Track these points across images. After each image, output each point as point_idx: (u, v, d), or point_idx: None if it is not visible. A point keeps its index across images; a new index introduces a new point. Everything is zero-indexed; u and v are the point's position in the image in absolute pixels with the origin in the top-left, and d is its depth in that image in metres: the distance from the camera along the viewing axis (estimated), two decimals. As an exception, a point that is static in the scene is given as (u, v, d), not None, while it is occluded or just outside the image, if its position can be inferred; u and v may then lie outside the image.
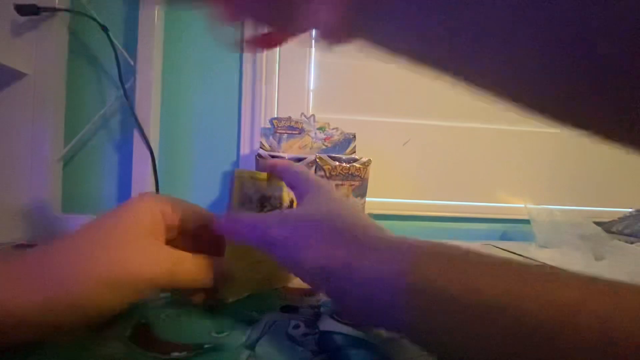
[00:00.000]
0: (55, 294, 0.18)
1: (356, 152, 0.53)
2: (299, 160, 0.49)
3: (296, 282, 0.32)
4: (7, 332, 0.17)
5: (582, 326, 0.13)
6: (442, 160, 0.69)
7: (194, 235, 0.26)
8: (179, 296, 0.26)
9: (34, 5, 0.52)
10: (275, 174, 0.28)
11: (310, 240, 0.20)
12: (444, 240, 0.19)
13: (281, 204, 0.29)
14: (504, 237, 0.69)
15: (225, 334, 0.22)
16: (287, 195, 0.29)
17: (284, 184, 0.29)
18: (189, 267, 0.22)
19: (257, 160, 0.49)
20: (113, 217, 0.22)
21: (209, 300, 0.26)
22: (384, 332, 0.23)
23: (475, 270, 0.16)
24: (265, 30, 0.21)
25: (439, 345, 0.17)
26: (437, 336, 0.16)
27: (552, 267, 0.16)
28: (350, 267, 0.19)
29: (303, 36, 0.19)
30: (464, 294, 0.15)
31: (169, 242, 0.24)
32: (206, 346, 0.20)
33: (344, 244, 0.20)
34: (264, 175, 0.29)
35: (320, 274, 0.20)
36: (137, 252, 0.20)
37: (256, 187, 0.28)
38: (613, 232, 0.54)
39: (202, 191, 0.63)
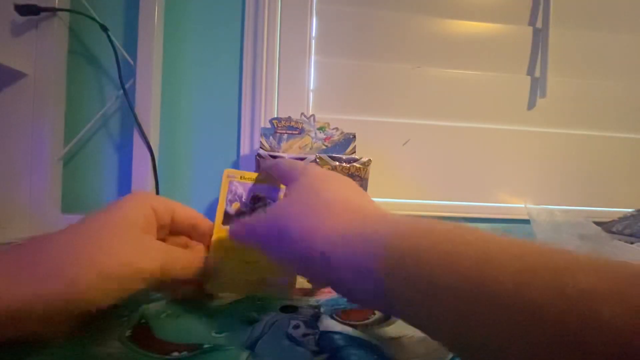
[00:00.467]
0: (46, 286, 0.17)
1: (356, 152, 0.53)
2: (299, 160, 0.49)
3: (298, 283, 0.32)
4: None
5: (606, 319, 0.10)
6: (442, 160, 0.69)
7: (185, 234, 0.27)
8: (169, 294, 0.27)
9: (34, 5, 0.52)
10: (271, 173, 0.28)
11: (288, 232, 0.20)
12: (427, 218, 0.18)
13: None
14: (504, 237, 0.69)
15: (225, 334, 0.22)
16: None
17: (281, 185, 0.29)
18: (180, 260, 0.23)
19: (257, 160, 0.49)
20: (105, 213, 0.21)
21: (198, 294, 0.26)
22: (383, 331, 0.23)
23: (464, 251, 0.14)
24: None
25: (427, 330, 0.16)
26: (420, 320, 0.16)
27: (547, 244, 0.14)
28: (325, 257, 0.18)
29: None
30: (445, 280, 0.14)
31: (160, 240, 0.24)
32: (206, 346, 0.20)
33: (320, 232, 0.19)
34: (253, 175, 0.29)
35: (300, 264, 0.20)
36: (129, 245, 0.20)
37: (246, 187, 0.28)
38: (613, 232, 0.54)
39: (202, 191, 0.63)
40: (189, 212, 0.26)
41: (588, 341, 0.10)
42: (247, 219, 0.23)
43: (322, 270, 0.19)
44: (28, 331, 0.18)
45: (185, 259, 0.23)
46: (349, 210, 0.20)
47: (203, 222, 0.27)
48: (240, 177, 0.29)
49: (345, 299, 0.28)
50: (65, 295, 0.17)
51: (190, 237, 0.27)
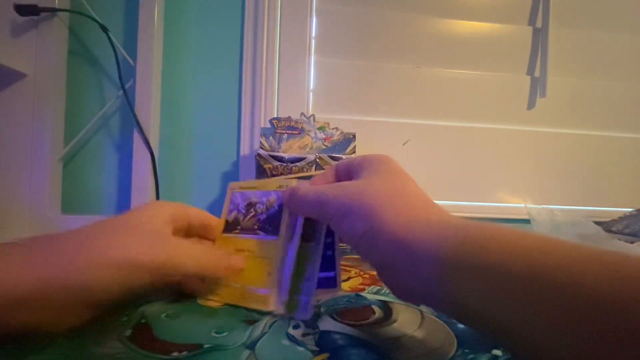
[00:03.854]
0: (53, 274, 0.18)
1: (356, 152, 0.53)
2: (299, 160, 0.49)
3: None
4: (5, 314, 0.17)
5: None
6: (442, 160, 0.69)
7: (198, 235, 0.28)
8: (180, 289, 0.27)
9: (34, 6, 0.52)
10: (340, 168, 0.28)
11: (362, 208, 0.20)
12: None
13: (267, 208, 0.29)
14: (504, 237, 0.69)
15: (225, 334, 0.22)
16: (275, 199, 0.29)
17: (272, 190, 0.29)
18: (193, 254, 0.23)
19: (257, 160, 0.49)
20: (124, 215, 0.23)
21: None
22: (383, 331, 0.23)
23: (528, 243, 0.15)
24: None
25: (483, 322, 0.16)
26: (481, 312, 0.16)
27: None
28: (396, 238, 0.18)
29: None
30: (512, 267, 0.14)
31: None
32: (206, 346, 0.20)
33: (393, 215, 0.20)
34: (250, 183, 0.30)
35: (367, 241, 0.20)
36: (141, 239, 0.21)
37: (244, 196, 0.30)
38: (613, 232, 0.54)
39: (202, 191, 0.63)
40: (202, 215, 0.28)
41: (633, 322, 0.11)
42: (318, 192, 0.23)
43: (388, 252, 0.19)
44: (35, 321, 0.18)
45: (194, 253, 0.24)
46: (427, 204, 0.21)
47: (214, 221, 0.29)
48: (240, 187, 0.30)
49: (345, 299, 0.28)
50: (70, 284, 0.18)
51: (201, 236, 0.29)
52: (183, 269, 0.22)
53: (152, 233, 0.22)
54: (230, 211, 0.29)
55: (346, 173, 0.25)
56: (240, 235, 0.28)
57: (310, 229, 0.26)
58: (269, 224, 0.27)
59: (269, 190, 0.29)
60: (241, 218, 0.29)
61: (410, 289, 0.19)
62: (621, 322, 0.11)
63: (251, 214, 0.28)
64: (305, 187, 0.25)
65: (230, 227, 0.29)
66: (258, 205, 0.29)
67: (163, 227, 0.24)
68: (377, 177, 0.22)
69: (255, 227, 0.28)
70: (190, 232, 0.27)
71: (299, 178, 0.31)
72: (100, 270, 0.19)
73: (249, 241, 0.28)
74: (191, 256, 0.23)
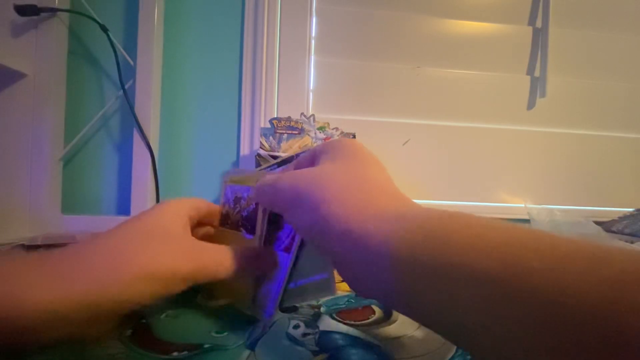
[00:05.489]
0: (91, 289, 0.18)
1: (356, 152, 0.53)
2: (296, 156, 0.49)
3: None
4: (44, 329, 0.17)
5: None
6: (441, 160, 0.69)
7: (204, 223, 0.29)
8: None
9: (34, 6, 0.52)
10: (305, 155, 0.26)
11: (311, 199, 0.19)
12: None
13: (247, 204, 0.28)
14: (504, 237, 0.69)
15: (225, 334, 0.22)
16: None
17: (250, 186, 0.28)
18: (223, 260, 0.23)
19: (257, 160, 0.49)
20: (145, 217, 0.23)
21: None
22: (383, 331, 0.23)
23: (499, 238, 0.13)
24: None
25: (442, 326, 0.15)
26: (441, 315, 0.14)
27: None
28: (347, 232, 0.17)
29: None
30: (479, 267, 0.12)
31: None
32: (206, 346, 0.20)
33: (344, 206, 0.18)
34: (238, 177, 0.30)
35: (316, 235, 0.19)
36: (173, 248, 0.21)
37: (233, 189, 0.30)
38: (613, 232, 0.54)
39: (202, 191, 0.63)
40: (207, 205, 0.28)
41: (626, 330, 0.09)
42: (270, 181, 0.22)
43: (338, 246, 0.18)
44: (71, 334, 0.18)
45: (224, 258, 0.23)
46: (388, 193, 0.20)
47: (216, 208, 0.29)
48: (230, 180, 0.30)
49: (345, 299, 0.28)
50: (108, 297, 0.18)
51: (205, 224, 0.29)
52: (217, 275, 0.22)
53: (181, 240, 0.22)
54: (224, 204, 0.30)
55: (310, 162, 0.24)
56: (230, 229, 0.28)
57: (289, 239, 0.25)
58: (248, 221, 0.27)
59: (249, 186, 0.28)
60: (231, 212, 0.29)
61: (366, 286, 0.17)
62: (609, 330, 0.10)
63: (237, 209, 0.29)
64: (266, 176, 0.23)
65: (223, 220, 0.29)
66: (242, 201, 0.29)
67: (186, 231, 0.24)
68: (335, 164, 0.21)
69: (239, 223, 0.28)
70: (200, 222, 0.28)
71: (278, 164, 0.31)
72: (140, 283, 0.19)
73: (236, 236, 0.28)
74: (222, 262, 0.22)
